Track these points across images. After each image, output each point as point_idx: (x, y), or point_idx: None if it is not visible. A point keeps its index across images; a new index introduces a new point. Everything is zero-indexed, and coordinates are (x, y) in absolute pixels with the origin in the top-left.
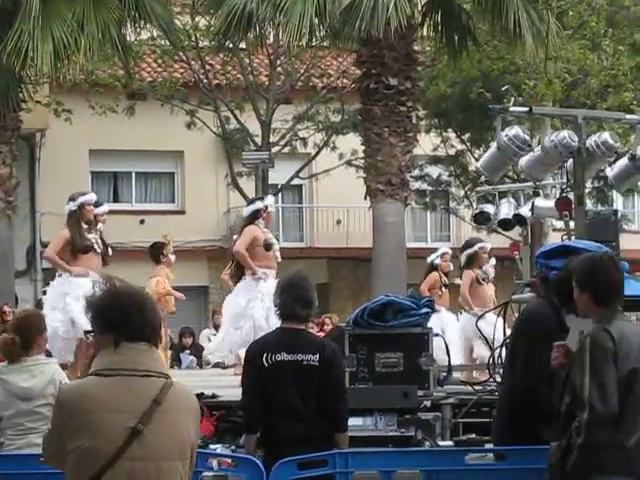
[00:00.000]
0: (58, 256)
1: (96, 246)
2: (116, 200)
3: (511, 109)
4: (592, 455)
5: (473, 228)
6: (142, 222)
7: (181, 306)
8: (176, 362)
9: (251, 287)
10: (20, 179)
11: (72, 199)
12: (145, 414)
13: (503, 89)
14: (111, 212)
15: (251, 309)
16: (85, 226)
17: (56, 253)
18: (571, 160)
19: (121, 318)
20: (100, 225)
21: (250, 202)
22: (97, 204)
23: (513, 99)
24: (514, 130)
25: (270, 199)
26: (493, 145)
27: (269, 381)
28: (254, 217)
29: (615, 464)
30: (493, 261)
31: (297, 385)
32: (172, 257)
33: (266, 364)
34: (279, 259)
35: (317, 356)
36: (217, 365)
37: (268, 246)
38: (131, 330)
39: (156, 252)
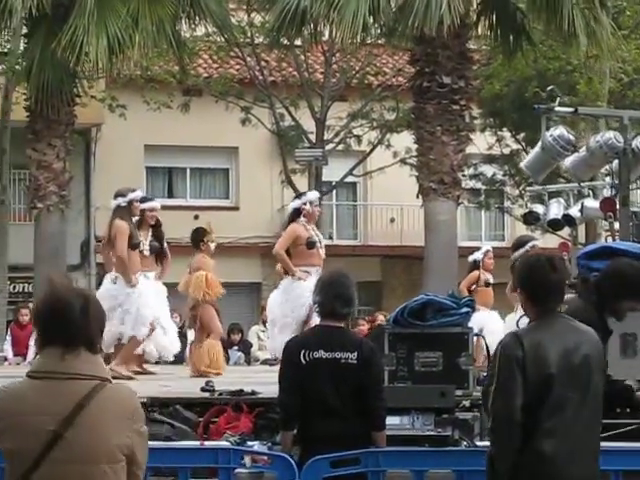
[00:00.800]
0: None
1: (142, 244)
2: (170, 196)
3: (556, 109)
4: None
5: (527, 227)
6: (196, 218)
7: (233, 302)
8: (224, 358)
9: (291, 289)
10: (75, 174)
11: (121, 194)
12: (67, 417)
13: (548, 89)
14: (165, 208)
15: (293, 313)
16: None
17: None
18: (616, 161)
19: (49, 321)
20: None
21: (295, 198)
22: (147, 199)
23: (558, 99)
24: (559, 130)
25: (312, 195)
26: (538, 145)
27: (306, 379)
28: (296, 214)
29: (528, 471)
30: None
31: (334, 383)
32: (212, 245)
33: (304, 361)
34: (323, 256)
35: (355, 354)
36: (265, 362)
37: (310, 244)
38: (58, 334)
39: (197, 237)
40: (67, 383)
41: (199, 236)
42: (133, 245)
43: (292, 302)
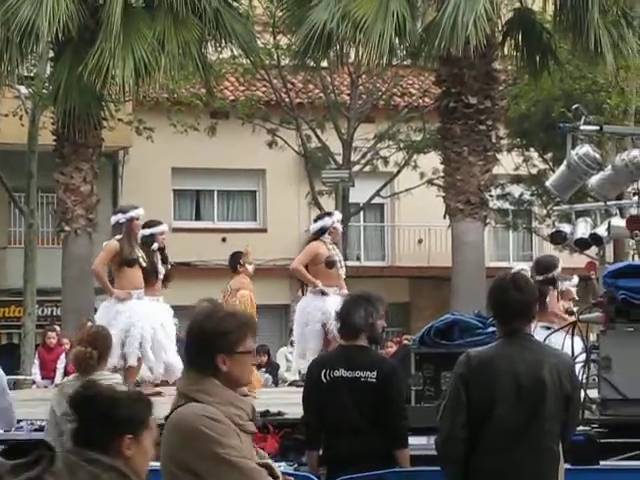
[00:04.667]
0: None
1: (141, 260)
2: (198, 218)
3: (581, 127)
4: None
5: (555, 247)
6: (224, 240)
7: (261, 324)
8: None
9: (306, 305)
10: (103, 197)
11: (122, 211)
12: None
13: (574, 107)
14: (193, 230)
15: (308, 333)
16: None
17: (103, 265)
18: None
19: None
20: (155, 245)
21: (318, 218)
22: (156, 223)
23: (583, 117)
24: (584, 149)
25: (338, 215)
26: (563, 164)
27: (327, 398)
28: (320, 233)
29: None
30: (575, 280)
31: (355, 401)
32: (250, 267)
33: (324, 380)
34: (343, 276)
35: (375, 373)
36: (293, 383)
37: (330, 263)
38: None
39: (234, 261)
40: None
41: (236, 259)
42: (127, 262)
43: (308, 316)
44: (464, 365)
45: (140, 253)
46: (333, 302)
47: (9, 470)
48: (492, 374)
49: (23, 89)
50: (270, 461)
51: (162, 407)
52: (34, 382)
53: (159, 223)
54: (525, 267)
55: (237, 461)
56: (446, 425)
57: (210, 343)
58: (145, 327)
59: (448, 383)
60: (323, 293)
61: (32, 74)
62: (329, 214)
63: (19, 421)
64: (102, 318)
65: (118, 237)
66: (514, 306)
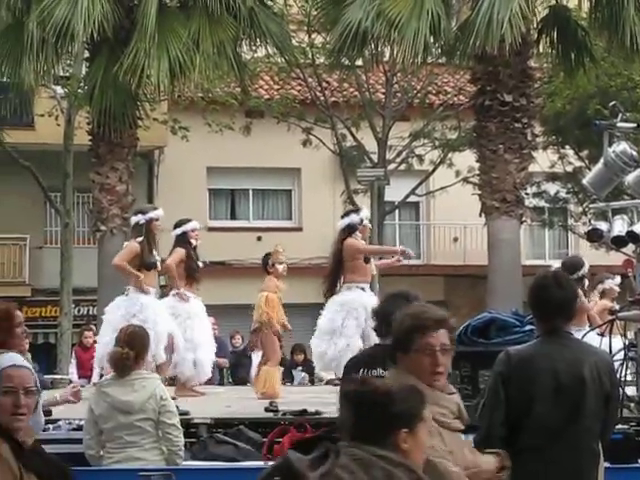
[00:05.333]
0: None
1: (158, 264)
2: (233, 217)
3: (618, 125)
4: None
5: (591, 245)
6: (259, 239)
7: (297, 323)
8: (288, 378)
9: (342, 297)
10: (138, 196)
11: (142, 212)
12: None
13: (610, 105)
14: (228, 229)
15: (345, 328)
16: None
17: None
18: None
19: None
20: (193, 242)
21: (345, 214)
22: (185, 221)
23: (620, 115)
24: (621, 146)
25: (366, 211)
26: (600, 161)
27: None
28: (351, 230)
29: None
30: (618, 279)
31: None
32: (280, 267)
33: None
34: (374, 272)
35: None
36: (330, 382)
37: (367, 259)
38: None
39: (264, 262)
40: None
41: (266, 260)
42: (146, 265)
43: (348, 319)
44: (503, 363)
45: (158, 257)
46: (370, 298)
47: (308, 465)
48: (532, 372)
49: (59, 89)
50: (500, 450)
51: (201, 406)
52: (71, 381)
53: (188, 220)
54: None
55: (436, 462)
56: (485, 423)
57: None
58: (171, 323)
59: (487, 381)
60: (360, 288)
61: (67, 74)
62: (356, 211)
63: (57, 420)
64: (124, 309)
65: (139, 239)
66: (555, 304)
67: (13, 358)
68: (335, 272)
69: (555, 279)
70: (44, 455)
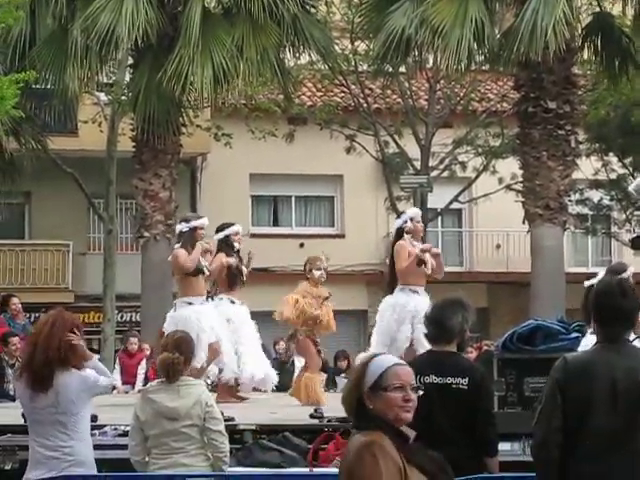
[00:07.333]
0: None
1: (205, 270)
2: (276, 224)
3: None
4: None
5: (634, 253)
6: (302, 246)
7: (340, 330)
8: (332, 385)
9: (399, 306)
10: (181, 202)
11: (186, 220)
12: None
13: None
14: (271, 236)
15: (399, 332)
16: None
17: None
18: None
19: None
20: (237, 245)
21: (396, 219)
22: (228, 225)
23: None
24: None
25: (411, 211)
26: None
27: (418, 403)
28: (399, 233)
29: None
30: None
31: (446, 408)
32: (317, 273)
33: None
34: (429, 271)
35: (466, 380)
36: None
37: (420, 261)
38: None
39: (303, 266)
40: None
41: (304, 265)
42: (192, 271)
43: (402, 323)
44: (561, 370)
45: (205, 262)
46: (423, 302)
47: None
48: (589, 379)
49: (102, 96)
50: None
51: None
52: (114, 387)
53: (231, 224)
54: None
55: None
56: (541, 430)
57: None
58: (212, 329)
59: (544, 387)
60: (414, 291)
61: (111, 81)
62: (399, 216)
63: (103, 426)
64: (169, 326)
65: (177, 245)
66: (619, 312)
67: (393, 358)
68: (391, 275)
69: (620, 287)
70: (426, 450)
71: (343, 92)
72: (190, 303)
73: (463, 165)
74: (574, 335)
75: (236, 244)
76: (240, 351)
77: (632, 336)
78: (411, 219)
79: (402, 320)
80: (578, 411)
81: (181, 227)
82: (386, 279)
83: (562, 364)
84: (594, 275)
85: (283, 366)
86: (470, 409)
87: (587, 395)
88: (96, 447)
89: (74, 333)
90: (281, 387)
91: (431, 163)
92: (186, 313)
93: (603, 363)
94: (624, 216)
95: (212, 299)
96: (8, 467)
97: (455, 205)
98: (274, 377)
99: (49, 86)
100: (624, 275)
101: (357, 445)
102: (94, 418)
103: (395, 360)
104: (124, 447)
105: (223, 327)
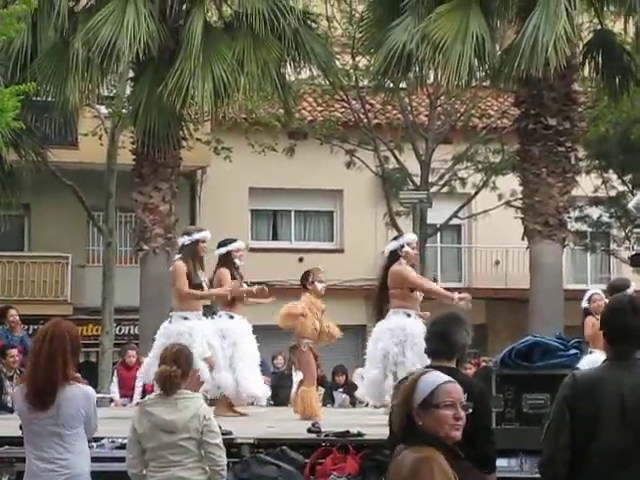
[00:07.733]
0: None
1: (204, 285)
2: (275, 238)
3: None
4: None
5: (633, 270)
6: (301, 260)
7: (338, 345)
8: (329, 400)
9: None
10: (181, 216)
11: (187, 233)
12: None
13: None
14: (270, 250)
15: (406, 358)
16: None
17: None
18: None
19: None
20: (237, 261)
21: (392, 240)
22: (230, 241)
23: None
24: None
25: (409, 237)
26: None
27: None
28: (392, 256)
29: None
30: None
31: None
32: (319, 285)
33: None
34: (420, 299)
35: (465, 396)
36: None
37: (414, 289)
38: None
39: (302, 280)
40: None
41: (302, 277)
42: (192, 285)
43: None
44: (569, 386)
45: (204, 277)
46: (415, 324)
47: None
48: (597, 396)
49: (103, 109)
50: None
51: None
52: (112, 400)
53: (233, 240)
54: (599, 291)
55: None
56: (549, 446)
57: None
58: (208, 344)
59: (552, 405)
60: (407, 314)
61: (112, 94)
62: (396, 238)
63: (101, 438)
64: (162, 338)
65: (177, 257)
66: (629, 330)
67: (443, 375)
68: (379, 298)
69: (631, 305)
70: (475, 469)
71: (344, 107)
72: (186, 318)
73: (463, 181)
74: (572, 352)
75: (237, 260)
76: (239, 366)
77: None
78: (408, 244)
79: (407, 346)
80: (586, 428)
81: (183, 240)
82: (375, 299)
83: (571, 381)
84: (590, 290)
85: (282, 380)
86: (469, 425)
87: (595, 413)
88: (93, 460)
89: (72, 343)
90: (279, 401)
91: (431, 179)
92: (181, 329)
93: (612, 381)
94: (623, 233)
95: (214, 313)
96: (5, 479)
97: (454, 221)
98: (267, 393)
99: (50, 98)
100: (628, 291)
101: (412, 460)
102: None
103: (445, 377)
104: (122, 460)
105: (217, 343)
